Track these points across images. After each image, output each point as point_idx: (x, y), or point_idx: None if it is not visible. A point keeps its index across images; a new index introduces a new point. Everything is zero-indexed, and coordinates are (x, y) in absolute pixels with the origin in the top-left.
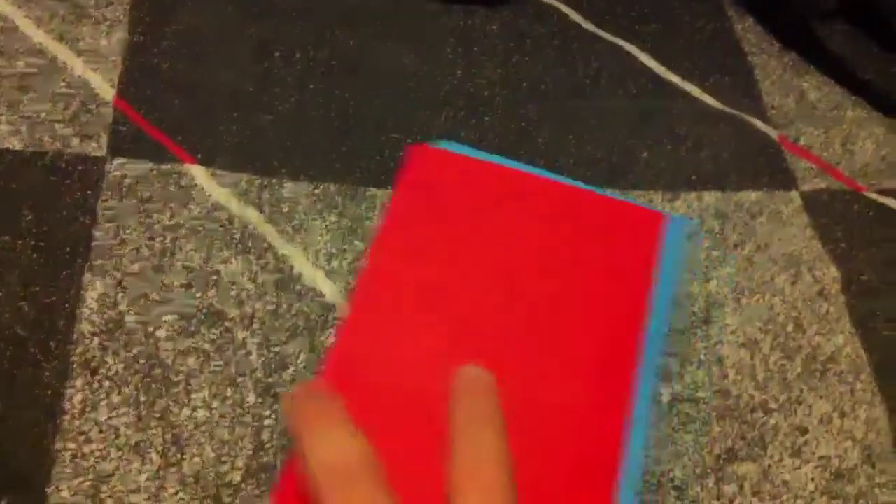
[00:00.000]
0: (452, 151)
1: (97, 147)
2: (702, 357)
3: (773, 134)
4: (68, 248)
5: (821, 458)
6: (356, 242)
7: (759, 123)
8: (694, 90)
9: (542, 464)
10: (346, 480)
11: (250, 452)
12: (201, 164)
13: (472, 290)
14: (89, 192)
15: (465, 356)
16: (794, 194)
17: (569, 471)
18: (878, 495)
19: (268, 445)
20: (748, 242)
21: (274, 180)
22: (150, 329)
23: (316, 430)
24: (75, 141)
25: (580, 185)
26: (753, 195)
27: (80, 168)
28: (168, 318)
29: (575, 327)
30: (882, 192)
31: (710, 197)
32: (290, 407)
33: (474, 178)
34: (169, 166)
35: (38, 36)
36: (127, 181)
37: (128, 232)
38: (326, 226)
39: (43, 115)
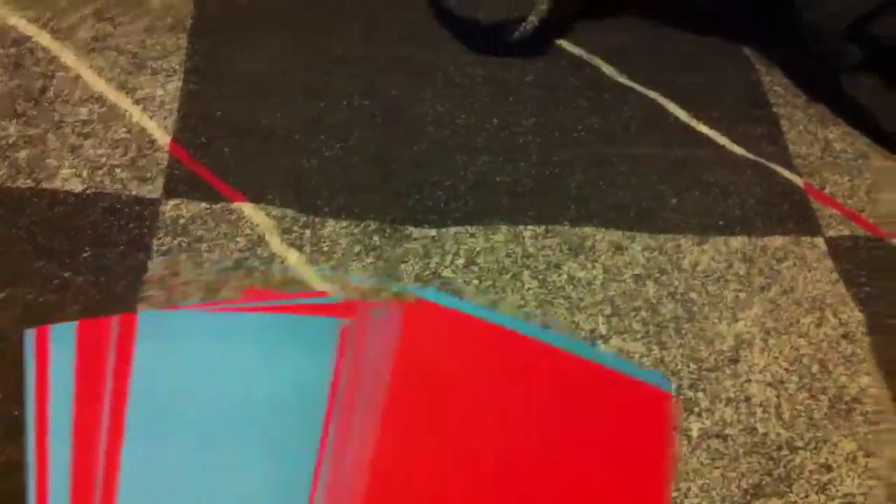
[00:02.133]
0: (443, 306)
1: (153, 189)
2: (730, 395)
3: (799, 182)
4: (124, 283)
5: (846, 495)
6: (391, 282)
7: (785, 172)
8: (722, 139)
9: None
10: None
11: None
12: (250, 201)
13: (468, 470)
14: (145, 230)
15: None
16: (819, 240)
17: None
18: None
19: None
20: (774, 285)
21: (317, 219)
22: None
23: None
24: (133, 184)
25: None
26: (779, 240)
27: (136, 208)
28: None
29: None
30: None
31: (737, 242)
32: None
33: (470, 341)
34: (219, 206)
35: (100, 85)
36: (181, 220)
37: (179, 266)
38: (363, 266)
39: (103, 159)
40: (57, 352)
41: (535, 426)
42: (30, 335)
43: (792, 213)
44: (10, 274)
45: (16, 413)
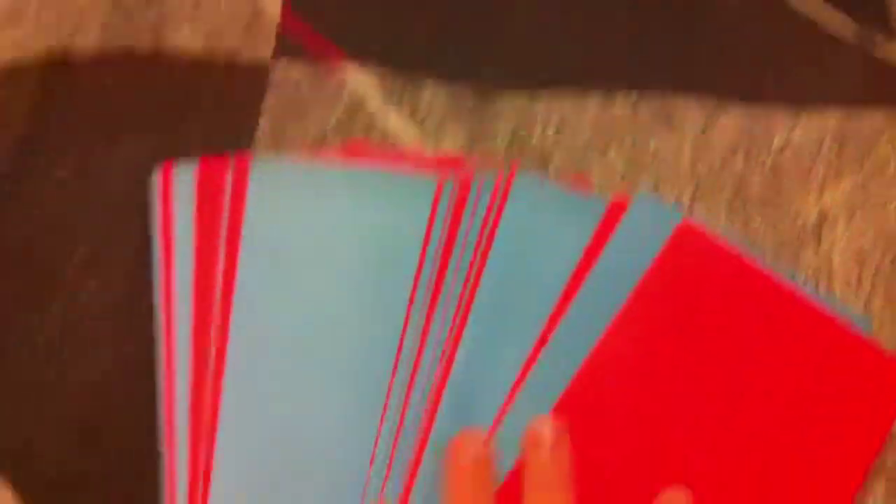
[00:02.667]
0: (716, 240)
1: (263, 52)
2: (812, 266)
3: None
4: (235, 143)
5: None
6: (481, 146)
7: (888, 49)
8: (826, 14)
9: None
10: None
11: None
12: (353, 63)
13: (692, 394)
14: (256, 92)
15: (664, 462)
16: None
17: None
18: None
19: None
20: (866, 163)
21: (415, 81)
22: None
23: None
24: (245, 47)
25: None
26: (875, 118)
27: (248, 71)
28: None
29: (782, 465)
30: None
31: (832, 118)
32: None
33: (732, 277)
34: (323, 68)
35: None
36: (289, 82)
37: (286, 127)
38: (460, 126)
39: (218, 22)
40: (181, 189)
41: (770, 370)
42: (155, 174)
43: (891, 91)
44: (130, 127)
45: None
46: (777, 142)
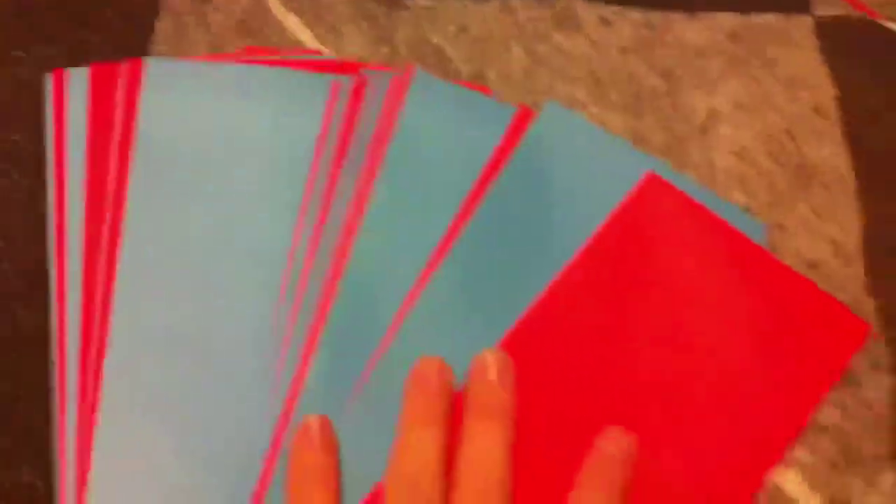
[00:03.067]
0: (682, 192)
1: None
2: (696, 161)
3: None
4: (134, 41)
5: (795, 249)
6: (383, 47)
7: None
8: None
9: None
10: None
11: None
12: None
13: (643, 341)
14: None
15: (614, 404)
16: (808, 19)
17: None
18: (847, 279)
19: None
20: (756, 62)
21: None
22: None
23: (485, 430)
24: None
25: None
26: (768, 17)
27: None
28: None
29: (729, 410)
30: (894, 19)
31: (726, 18)
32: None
33: (692, 229)
34: None
35: None
36: None
37: (186, 27)
38: (360, 30)
39: None
40: (72, 95)
41: (726, 318)
42: (48, 79)
43: None
44: (30, 34)
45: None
46: (671, 41)
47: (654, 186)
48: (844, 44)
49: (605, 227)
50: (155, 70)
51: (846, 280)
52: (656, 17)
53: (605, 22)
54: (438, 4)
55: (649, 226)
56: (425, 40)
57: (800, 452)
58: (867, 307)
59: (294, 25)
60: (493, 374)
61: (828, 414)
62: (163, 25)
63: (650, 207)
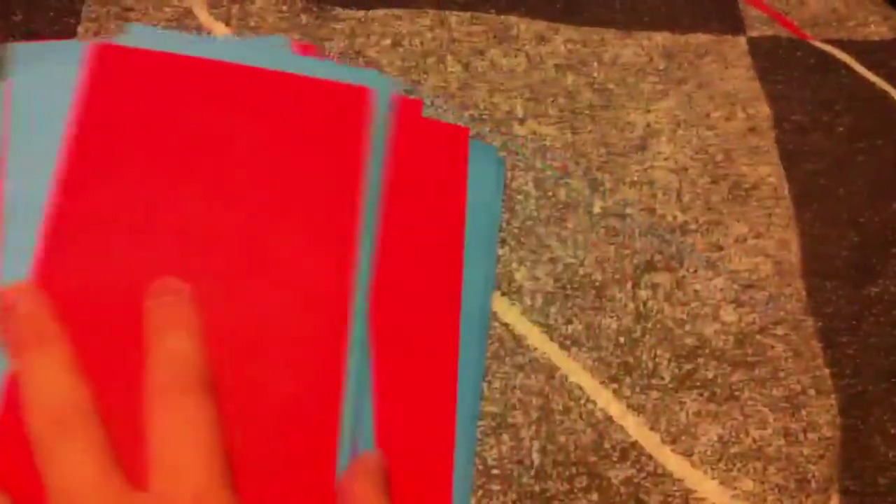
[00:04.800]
0: (138, 48)
1: None
2: (634, 178)
3: None
4: None
5: (732, 271)
6: None
7: None
8: None
9: (256, 392)
10: (61, 433)
11: None
12: None
13: (178, 198)
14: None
15: (175, 268)
16: (742, 39)
17: (286, 399)
18: (784, 302)
19: None
20: (691, 80)
21: None
22: None
23: (33, 362)
24: None
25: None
26: (702, 38)
27: None
28: None
29: (287, 231)
30: (826, 41)
31: (661, 37)
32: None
33: (167, 76)
34: None
35: None
36: None
37: (108, 32)
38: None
39: None
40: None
41: (237, 145)
42: None
43: (718, 12)
44: None
45: None
46: (607, 59)
47: (108, 54)
48: (777, 63)
49: (80, 113)
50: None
51: (786, 300)
52: (591, 34)
53: (541, 38)
54: (371, 16)
55: (125, 92)
56: (359, 52)
57: (746, 482)
58: (808, 328)
59: (222, 34)
60: (23, 308)
61: (772, 440)
62: (83, 30)
63: (115, 76)
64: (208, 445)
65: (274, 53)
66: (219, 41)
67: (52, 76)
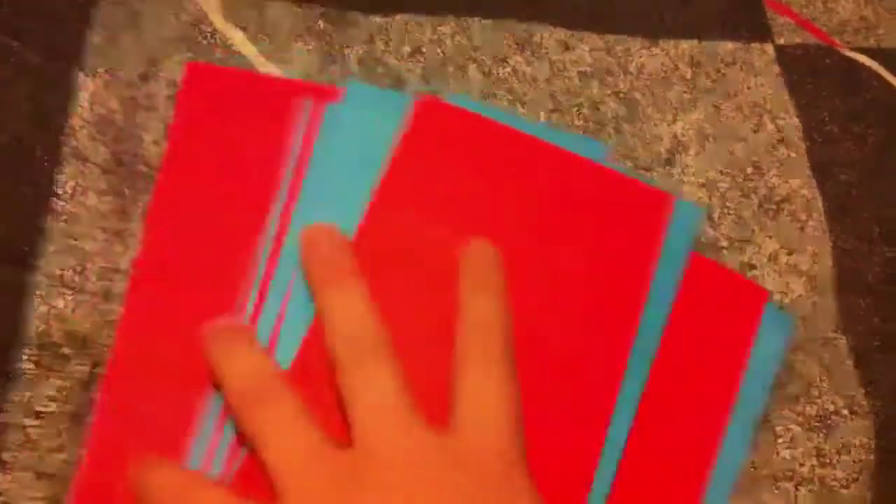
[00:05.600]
0: (460, 107)
1: None
2: None
3: None
4: (67, 53)
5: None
6: (332, 66)
7: None
8: None
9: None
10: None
11: None
12: None
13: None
14: (88, 2)
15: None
16: (769, 47)
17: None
18: (819, 321)
19: None
20: (718, 90)
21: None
22: (136, 131)
23: (333, 296)
24: None
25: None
26: (729, 46)
27: None
28: (153, 124)
29: (567, 310)
30: (856, 49)
31: (687, 45)
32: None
33: (481, 139)
34: None
35: None
36: None
37: (120, 39)
38: (308, 49)
39: None
40: None
41: (534, 219)
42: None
43: (745, 19)
44: None
45: None
46: (632, 68)
47: (433, 110)
48: (806, 72)
49: (397, 160)
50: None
51: (818, 317)
52: (616, 42)
53: (564, 46)
54: (392, 22)
55: (442, 149)
56: (378, 59)
57: None
58: (841, 346)
59: (238, 40)
60: (325, 247)
61: (804, 462)
62: (95, 37)
63: (435, 131)
64: (517, 413)
65: (587, 152)
66: (539, 125)
67: (378, 118)
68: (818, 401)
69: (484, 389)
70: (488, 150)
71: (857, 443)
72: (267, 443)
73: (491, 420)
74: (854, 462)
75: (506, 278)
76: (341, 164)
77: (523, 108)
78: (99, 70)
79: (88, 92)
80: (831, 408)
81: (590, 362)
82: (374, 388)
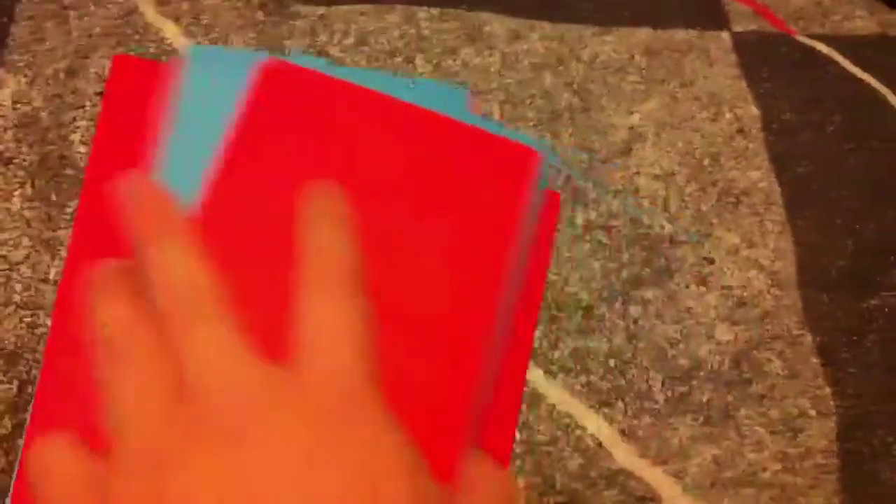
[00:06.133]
0: (308, 68)
1: None
2: (619, 186)
3: None
4: None
5: (725, 286)
6: (278, 55)
7: None
8: None
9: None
10: (191, 305)
11: None
12: None
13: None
14: None
15: None
16: (725, 35)
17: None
18: (783, 317)
19: None
20: (674, 79)
21: None
22: (63, 132)
23: (158, 241)
24: None
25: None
26: (684, 33)
27: None
28: (81, 122)
29: (428, 268)
30: (812, 36)
31: (642, 33)
32: (123, 203)
33: (330, 101)
34: None
35: None
36: None
37: (45, 32)
38: (245, 41)
39: None
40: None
41: (393, 177)
42: None
43: (701, 6)
44: None
45: None
46: (586, 57)
47: (279, 72)
48: (762, 60)
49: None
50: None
51: (781, 313)
52: (568, 30)
53: (515, 36)
54: (333, 12)
55: (285, 111)
56: (321, 51)
57: None
58: (806, 344)
59: (172, 33)
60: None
61: (769, 466)
62: (18, 32)
63: (282, 94)
64: (361, 338)
65: (449, 102)
66: (396, 79)
67: (223, 78)
68: (783, 402)
69: (322, 316)
70: (338, 112)
71: (822, 446)
72: (119, 386)
73: (329, 346)
74: (817, 466)
75: (351, 214)
76: (185, 126)
77: (475, 99)
78: (22, 66)
79: (11, 90)
80: (795, 411)
81: (456, 318)
82: (203, 337)
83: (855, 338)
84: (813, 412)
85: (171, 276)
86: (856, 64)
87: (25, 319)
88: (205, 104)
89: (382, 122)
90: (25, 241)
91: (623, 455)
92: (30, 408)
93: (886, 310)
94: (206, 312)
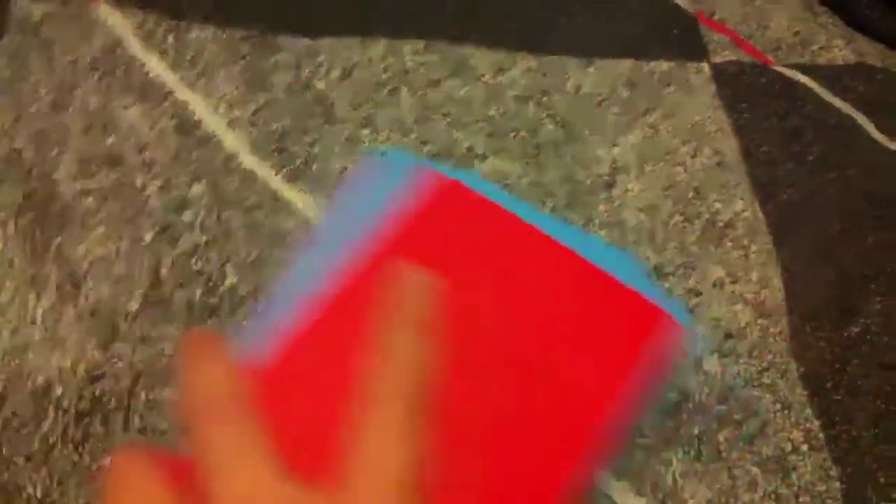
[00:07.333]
0: (468, 186)
1: None
2: (604, 219)
3: (691, 8)
4: None
5: (712, 319)
6: (259, 93)
7: None
8: None
9: None
10: (215, 411)
11: (147, 286)
12: (107, 2)
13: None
14: None
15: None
16: (705, 65)
17: None
18: (771, 344)
19: (165, 280)
20: (656, 111)
21: (182, 23)
22: (48, 168)
23: (193, 366)
24: None
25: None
26: (665, 65)
27: None
28: (66, 158)
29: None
30: (789, 66)
31: (623, 65)
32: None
33: (488, 222)
34: (74, 5)
35: None
36: (32, 19)
37: (29, 68)
38: (231, 75)
39: None
40: None
41: (535, 314)
42: None
43: (680, 38)
44: None
45: None
46: (569, 88)
47: (439, 186)
48: (742, 91)
49: (401, 229)
50: None
51: (769, 345)
52: (551, 63)
53: (499, 68)
54: (318, 45)
55: (451, 227)
56: (306, 85)
57: None
58: (791, 374)
59: (157, 67)
60: None
61: None
62: (1, 67)
63: (449, 211)
64: (410, 473)
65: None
66: (546, 217)
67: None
68: (774, 439)
69: (380, 445)
70: (498, 241)
71: (818, 481)
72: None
73: (380, 479)
74: (813, 499)
75: (437, 315)
76: (344, 218)
77: (459, 132)
78: (5, 102)
79: None
80: (788, 447)
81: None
82: (231, 444)
83: (838, 366)
84: (805, 447)
85: (197, 392)
86: (834, 93)
87: (13, 363)
88: (362, 199)
89: (538, 259)
90: (9, 283)
91: (619, 495)
92: None
93: (868, 336)
94: (232, 422)
